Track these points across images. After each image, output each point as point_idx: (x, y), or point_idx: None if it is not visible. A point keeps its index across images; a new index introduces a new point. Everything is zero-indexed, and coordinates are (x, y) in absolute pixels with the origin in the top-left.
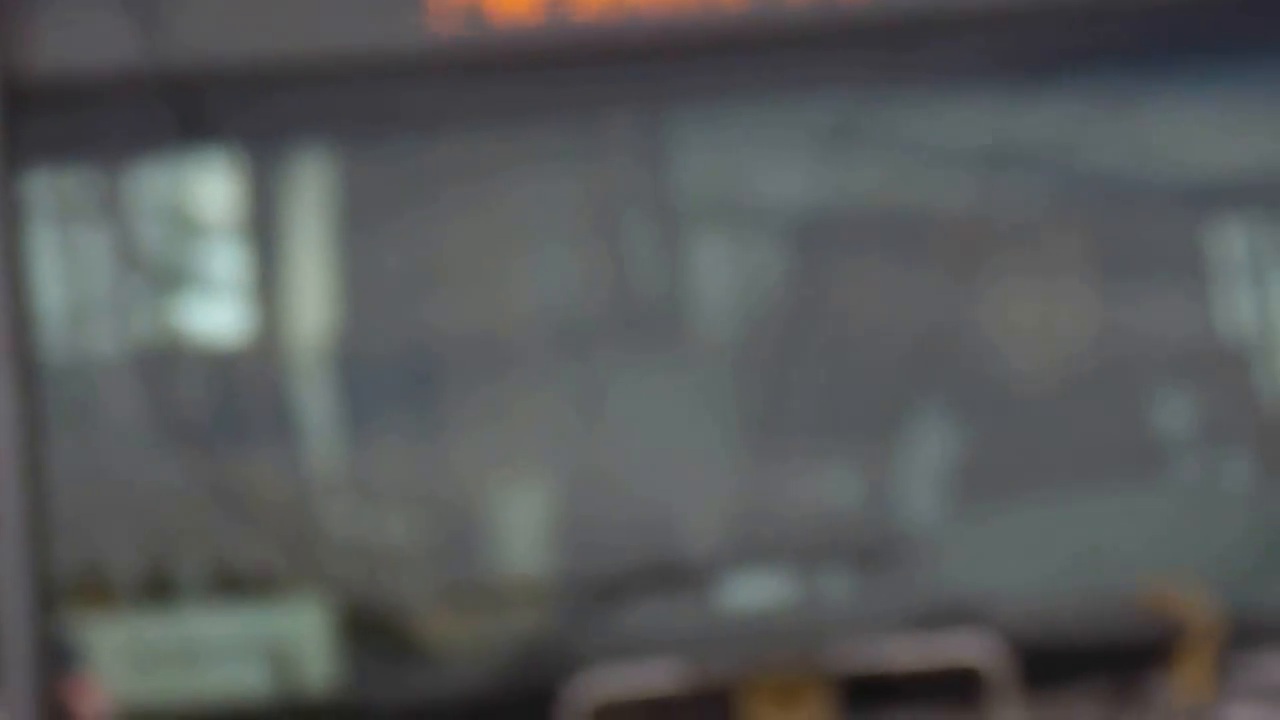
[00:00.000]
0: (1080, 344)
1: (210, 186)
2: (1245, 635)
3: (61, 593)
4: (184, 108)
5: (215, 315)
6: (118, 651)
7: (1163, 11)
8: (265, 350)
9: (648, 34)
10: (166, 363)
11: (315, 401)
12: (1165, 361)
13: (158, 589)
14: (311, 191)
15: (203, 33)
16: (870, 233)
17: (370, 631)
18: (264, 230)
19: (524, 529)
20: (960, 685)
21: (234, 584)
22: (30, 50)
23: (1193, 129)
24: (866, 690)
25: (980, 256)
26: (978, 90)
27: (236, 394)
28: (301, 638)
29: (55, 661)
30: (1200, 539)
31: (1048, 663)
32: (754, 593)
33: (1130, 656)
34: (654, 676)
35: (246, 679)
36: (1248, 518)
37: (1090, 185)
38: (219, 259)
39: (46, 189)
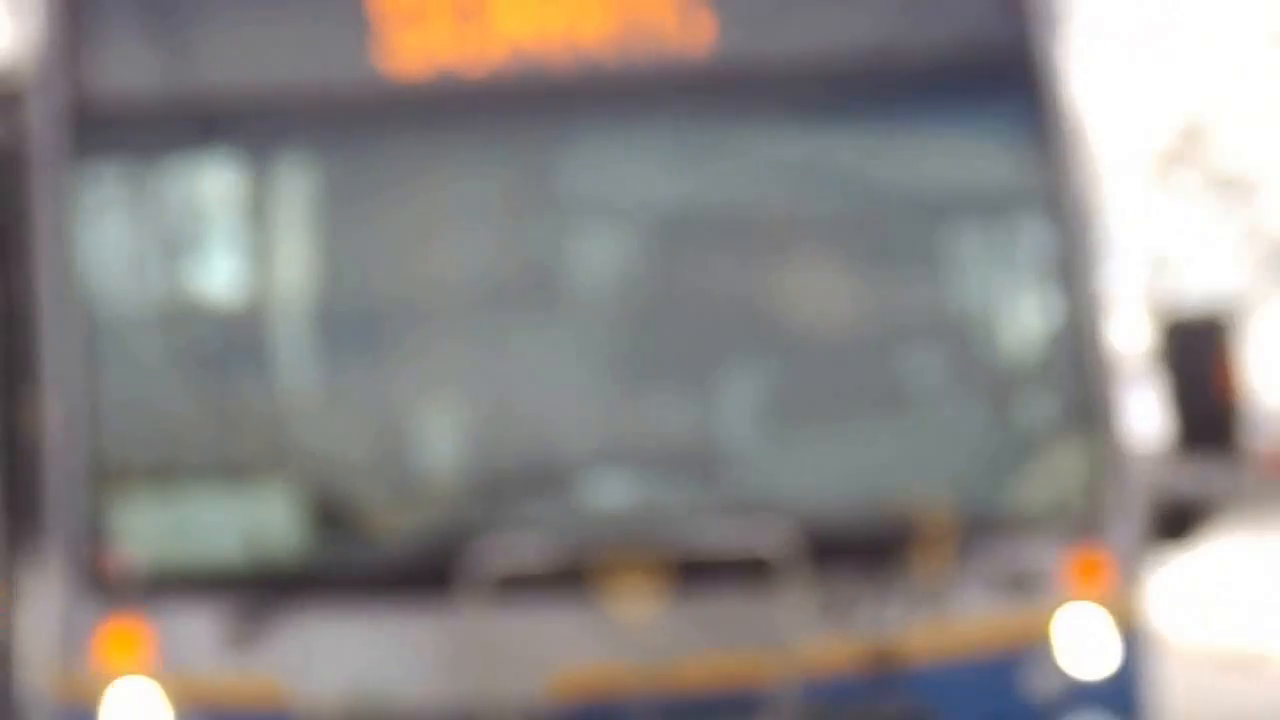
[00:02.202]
0: (855, 314)
1: (217, 185)
2: (974, 530)
3: (102, 482)
4: (202, 123)
5: (220, 277)
6: (140, 528)
7: (905, 73)
8: (254, 307)
9: (547, 80)
10: (183, 314)
11: (291, 347)
12: (916, 328)
13: (170, 482)
14: (293, 190)
15: (218, 64)
16: (704, 228)
17: (325, 515)
18: (256, 219)
19: (441, 442)
20: (759, 567)
21: (226, 477)
22: (90, 76)
23: (930, 159)
24: (688, 568)
25: (784, 247)
26: (778, 125)
27: (233, 339)
28: (274, 519)
29: (95, 533)
30: (942, 456)
31: (826, 550)
32: (610, 492)
33: (888, 547)
34: (531, 552)
35: (233, 547)
36: (975, 442)
37: (863, 197)
38: (223, 239)
39: (100, 182)
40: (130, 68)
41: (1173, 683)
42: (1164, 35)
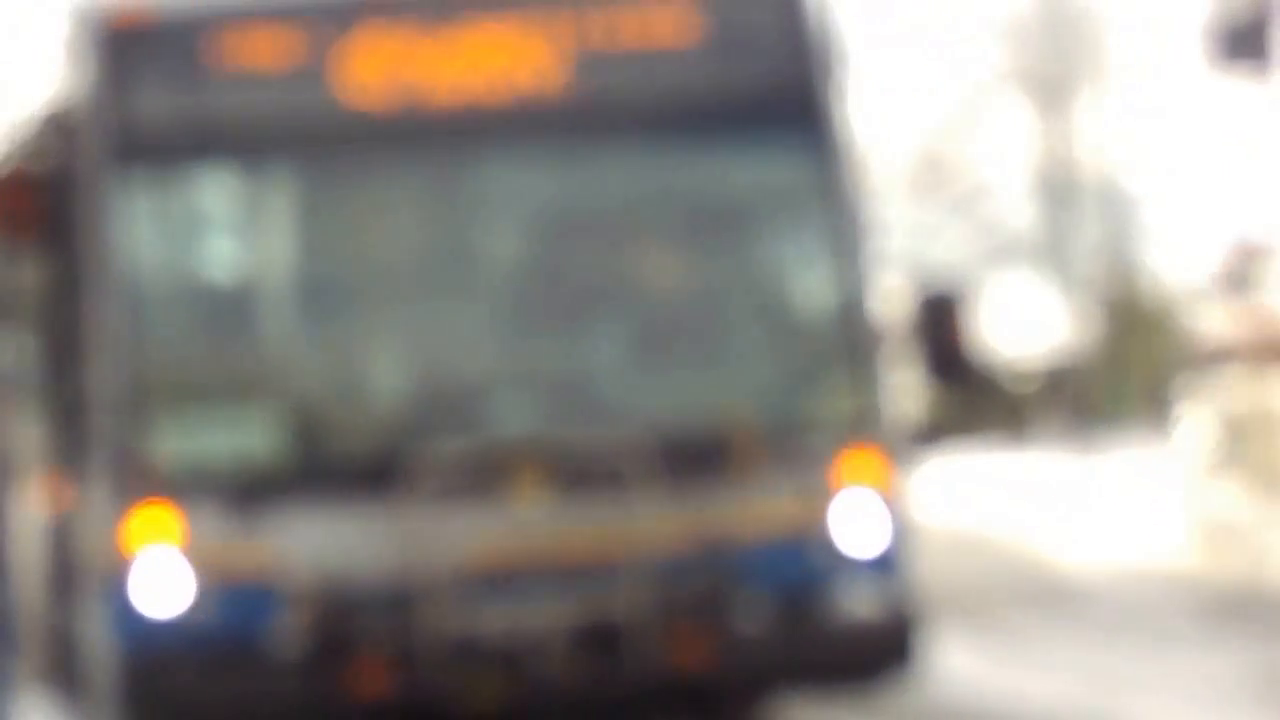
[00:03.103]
0: (689, 286)
1: (224, 191)
2: (776, 435)
3: (135, 407)
4: (211, 147)
5: (225, 260)
6: (164, 438)
7: (717, 108)
8: (251, 282)
9: (444, 120)
10: (199, 288)
11: (277, 311)
12: (733, 294)
13: (187, 404)
14: (280, 205)
15: (225, 102)
16: (575, 226)
17: (300, 425)
18: (247, 227)
19: (387, 380)
20: (620, 468)
21: (230, 402)
22: (128, 109)
23: (733, 172)
24: (568, 470)
25: (633, 237)
26: (624, 149)
27: (236, 306)
28: (264, 433)
29: (134, 434)
30: (753, 382)
31: (668, 453)
32: (510, 413)
33: (709, 454)
34: (452, 459)
35: (236, 451)
36: (776, 371)
37: (688, 201)
38: (236, 245)
39: (134, 191)
40: (159, 105)
41: (922, 559)
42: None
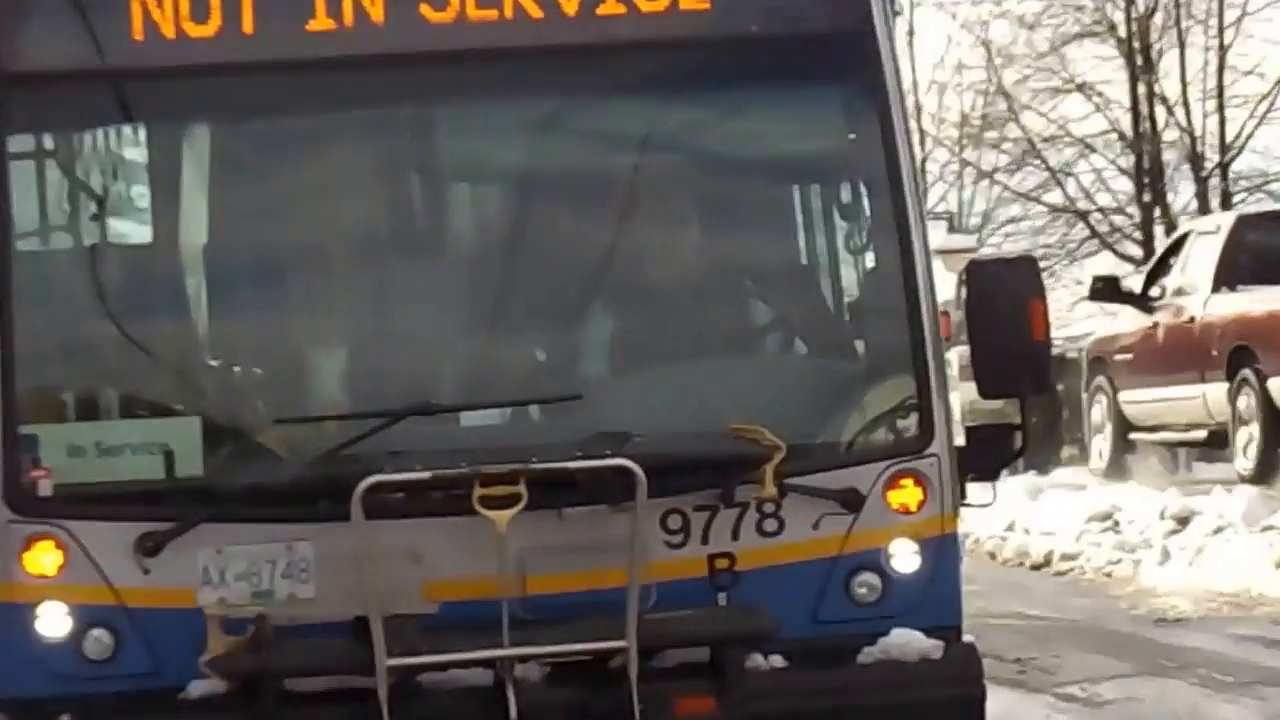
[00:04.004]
0: (699, 265)
1: (138, 143)
2: (799, 457)
3: (23, 411)
4: (120, 93)
5: (136, 230)
6: (60, 449)
7: (744, 48)
8: (170, 253)
9: (431, 54)
10: (101, 258)
11: (198, 288)
12: (754, 278)
13: (89, 408)
14: (201, 149)
15: (131, 40)
16: (566, 189)
17: (230, 439)
18: (171, 175)
19: (333, 373)
20: (614, 486)
21: (139, 405)
22: (14, 46)
23: (769, 126)
24: (553, 488)
25: (634, 207)
26: (628, 99)
27: (149, 280)
28: (186, 442)
29: (18, 456)
30: (773, 394)
31: (672, 471)
32: (480, 420)
33: (726, 469)
34: (413, 472)
35: (146, 469)
36: (802, 381)
37: (707, 162)
38: (141, 191)
39: (25, 144)
40: (49, 44)
41: (970, 579)
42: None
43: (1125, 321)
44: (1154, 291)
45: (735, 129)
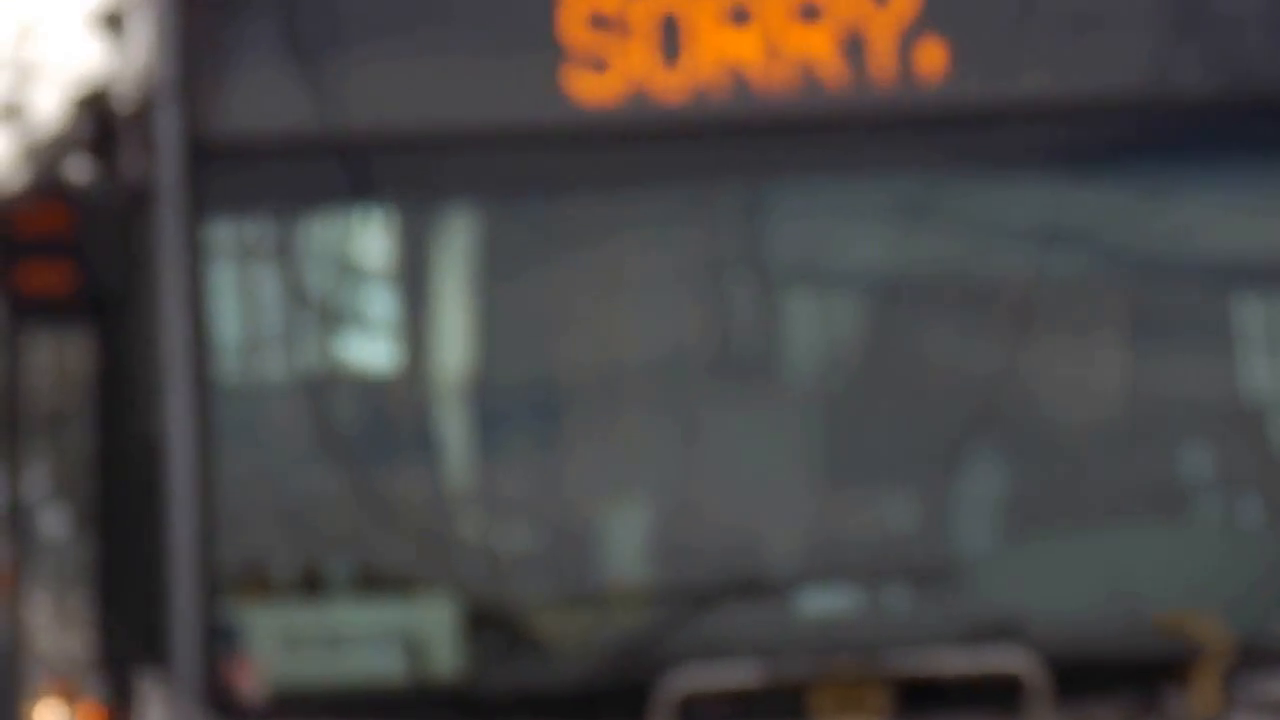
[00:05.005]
0: (1117, 398)
1: (369, 237)
2: (1252, 658)
3: (225, 585)
4: (350, 168)
5: (371, 350)
6: (272, 638)
7: (1191, 112)
8: (413, 381)
9: (752, 115)
10: (326, 389)
11: (452, 427)
12: (1190, 416)
13: (308, 584)
14: (457, 245)
15: (367, 100)
16: (937, 296)
17: (492, 628)
18: (416, 276)
19: (628, 542)
20: (1000, 693)
21: (375, 582)
22: (215, 111)
23: (1218, 214)
24: (919, 693)
25: (1031, 320)
26: (1032, 174)
27: (386, 418)
28: (432, 631)
29: (218, 644)
30: (1214, 571)
31: (1078, 675)
32: (824, 604)
33: (1150, 672)
34: (736, 674)
35: (382, 666)
36: (1257, 555)
37: (1128, 260)
38: (376, 301)
39: (227, 236)
40: (264, 103)
41: None
42: None
43: None
44: None
45: (1160, 213)
